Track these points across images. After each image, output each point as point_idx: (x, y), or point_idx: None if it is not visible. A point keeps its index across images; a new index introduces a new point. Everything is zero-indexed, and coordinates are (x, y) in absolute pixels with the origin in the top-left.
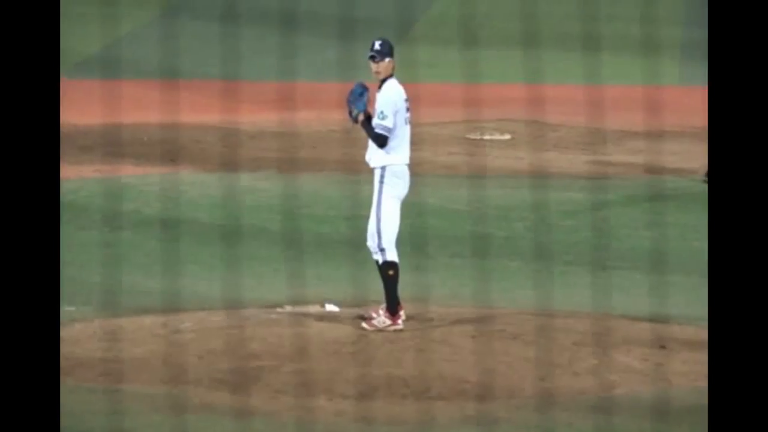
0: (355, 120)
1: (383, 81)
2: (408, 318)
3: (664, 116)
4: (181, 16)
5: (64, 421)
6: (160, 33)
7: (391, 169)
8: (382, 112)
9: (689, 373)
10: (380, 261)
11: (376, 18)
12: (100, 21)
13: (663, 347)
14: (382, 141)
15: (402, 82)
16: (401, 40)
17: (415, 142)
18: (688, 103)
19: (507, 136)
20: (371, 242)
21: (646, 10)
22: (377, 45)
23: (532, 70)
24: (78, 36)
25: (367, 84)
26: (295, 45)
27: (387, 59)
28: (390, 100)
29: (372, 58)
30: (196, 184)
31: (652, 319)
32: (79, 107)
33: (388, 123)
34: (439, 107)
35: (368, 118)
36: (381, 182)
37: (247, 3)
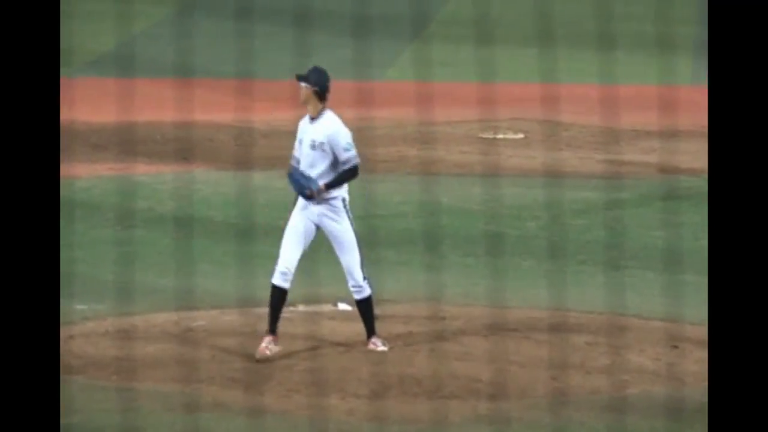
0: (317, 193)
1: (320, 114)
2: (421, 317)
3: (677, 115)
4: (196, 14)
5: (76, 418)
6: (174, 31)
7: (347, 198)
8: (348, 143)
9: (701, 373)
10: (365, 295)
11: (390, 16)
12: (114, 19)
13: (675, 347)
14: (357, 171)
15: (416, 80)
16: (416, 38)
17: (428, 141)
18: (702, 102)
19: (520, 135)
20: (358, 278)
21: (660, 9)
22: (308, 71)
23: (545, 69)
24: (92, 34)
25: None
26: (309, 43)
27: (303, 85)
28: (345, 130)
29: (298, 79)
30: (210, 183)
31: (665, 319)
32: (93, 105)
33: (355, 151)
34: (452, 106)
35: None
36: (348, 214)
37: (262, 1)
